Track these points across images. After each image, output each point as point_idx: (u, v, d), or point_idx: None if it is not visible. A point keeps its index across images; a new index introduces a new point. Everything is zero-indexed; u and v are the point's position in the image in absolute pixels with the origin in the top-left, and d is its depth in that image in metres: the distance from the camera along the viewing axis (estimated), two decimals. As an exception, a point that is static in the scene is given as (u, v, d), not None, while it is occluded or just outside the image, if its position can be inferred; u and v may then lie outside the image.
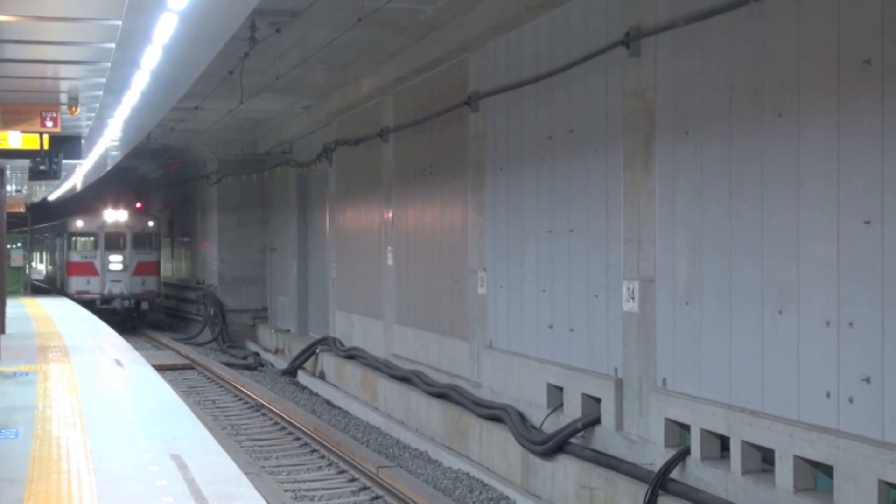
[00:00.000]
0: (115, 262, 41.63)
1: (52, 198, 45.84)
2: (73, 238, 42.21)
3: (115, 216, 42.04)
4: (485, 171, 17.82)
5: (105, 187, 44.92)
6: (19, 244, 52.08)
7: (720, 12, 11.40)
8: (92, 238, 42.25)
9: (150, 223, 42.92)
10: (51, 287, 53.18)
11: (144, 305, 42.39)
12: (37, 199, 46.08)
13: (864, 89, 9.52)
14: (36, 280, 57.31)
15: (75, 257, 42.05)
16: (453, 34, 18.44)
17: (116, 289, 41.37)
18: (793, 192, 10.40)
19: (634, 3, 13.12)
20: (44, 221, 56.76)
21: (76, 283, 41.66)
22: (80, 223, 42.09)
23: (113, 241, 41.93)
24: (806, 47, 10.27)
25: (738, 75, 11.27)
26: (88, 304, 38.26)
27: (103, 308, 39.80)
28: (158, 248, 43.29)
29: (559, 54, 14.99)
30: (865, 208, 9.52)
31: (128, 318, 41.71)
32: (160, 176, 51.02)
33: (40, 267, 64.26)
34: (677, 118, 12.35)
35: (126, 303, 41.38)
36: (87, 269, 41.53)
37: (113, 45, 11.18)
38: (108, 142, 22.54)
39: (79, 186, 39.59)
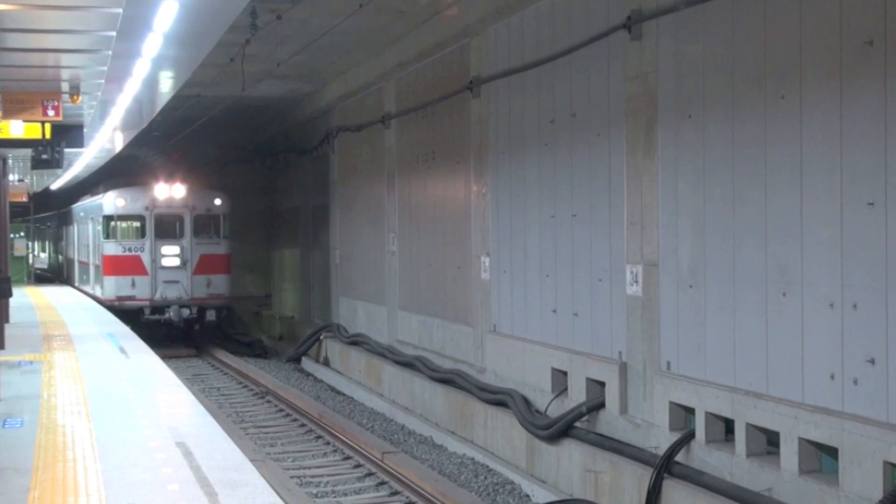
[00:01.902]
0: (171, 255, 30.87)
1: (54, 187, 45.73)
2: (110, 223, 30.92)
3: (169, 192, 31.11)
4: (487, 156, 17.80)
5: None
6: (22, 234, 52.08)
7: (722, -6, 11.40)
8: (137, 223, 31.41)
9: (218, 201, 31.57)
10: (55, 276, 53.21)
11: (210, 315, 31.09)
12: (42, 187, 46.00)
13: (867, 70, 9.49)
14: (39, 269, 57.33)
15: (113, 249, 30.75)
16: (455, 19, 18.41)
17: (172, 292, 30.54)
18: (796, 174, 10.38)
19: (636, -14, 13.09)
20: (48, 209, 56.72)
21: (115, 285, 30.48)
22: (121, 201, 30.73)
23: (167, 226, 31.18)
24: (808, 28, 10.23)
25: (739, 58, 11.24)
26: (132, 315, 29.13)
27: (153, 319, 30.26)
28: (229, 236, 31.99)
29: (561, 38, 14.96)
30: (869, 190, 9.50)
31: (187, 332, 31.55)
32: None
33: (43, 256, 64.35)
34: (679, 101, 12.32)
35: (186, 312, 30.41)
36: (132, 265, 30.48)
37: (114, 34, 11.17)
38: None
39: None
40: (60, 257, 49.87)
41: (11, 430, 11.47)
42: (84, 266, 37.77)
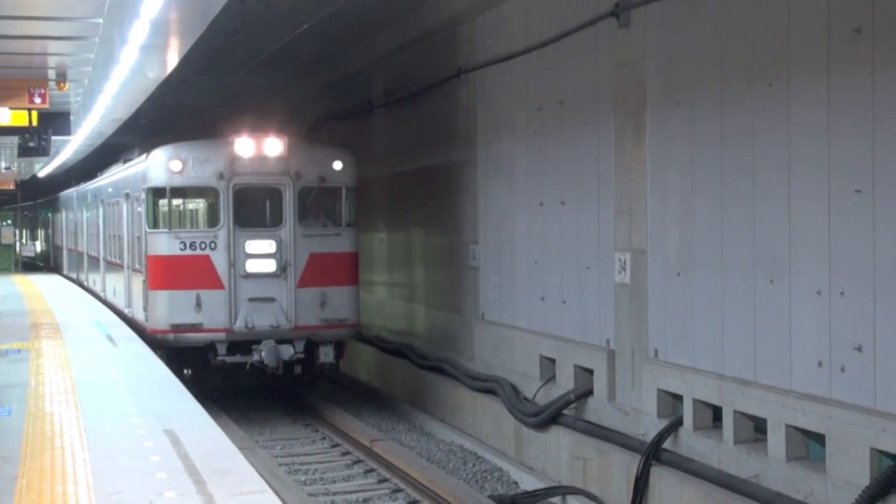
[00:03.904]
0: (261, 254, 18.51)
1: (42, 174, 45.47)
2: (160, 201, 18.79)
3: (257, 148, 18.59)
4: (475, 144, 17.79)
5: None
6: (9, 221, 51.92)
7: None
8: (204, 201, 19.93)
9: (338, 164, 19.09)
10: (44, 265, 53.12)
11: (326, 354, 18.92)
12: (30, 174, 45.79)
13: (855, 58, 9.49)
14: (27, 257, 57.21)
15: (165, 245, 18.62)
16: (443, 7, 18.37)
17: (264, 318, 18.28)
18: (784, 161, 10.39)
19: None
20: (37, 196, 56.50)
21: (169, 306, 18.49)
22: (177, 164, 18.47)
23: (254, 206, 18.97)
24: (796, 15, 10.23)
25: (728, 45, 11.23)
26: (195, 356, 18.57)
27: (232, 363, 18.37)
28: (355, 223, 19.51)
29: (549, 26, 14.93)
30: (856, 177, 9.51)
31: (287, 383, 19.82)
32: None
33: (30, 244, 64.21)
34: (668, 89, 12.32)
35: (287, 351, 18.21)
36: (196, 273, 18.42)
37: (101, 20, 11.14)
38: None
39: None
40: (58, 247, 42.98)
41: (-1, 418, 11.45)
42: (109, 268, 26.15)
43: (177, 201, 19.56)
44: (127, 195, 21.76)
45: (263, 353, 17.82)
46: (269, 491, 8.19)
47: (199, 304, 18.04)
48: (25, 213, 61.43)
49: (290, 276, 18.32)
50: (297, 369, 18.56)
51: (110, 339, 18.55)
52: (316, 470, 15.40)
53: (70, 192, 38.24)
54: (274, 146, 18.49)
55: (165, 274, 18.52)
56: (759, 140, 10.77)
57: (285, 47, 20.74)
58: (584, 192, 14.25)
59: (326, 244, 18.72)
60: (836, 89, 9.73)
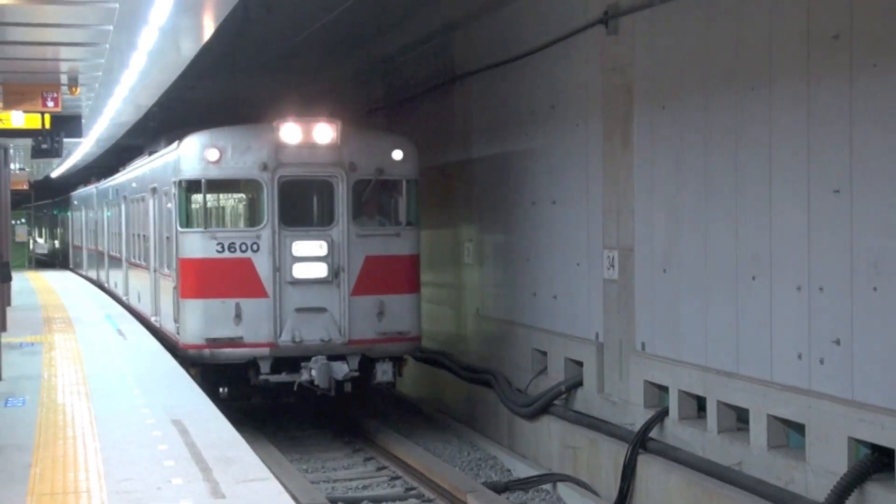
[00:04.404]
0: (311, 257, 15.67)
1: (55, 175, 45.45)
2: (193, 196, 15.90)
3: (306, 135, 15.69)
4: (471, 144, 17.79)
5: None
6: (23, 220, 51.92)
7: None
8: (244, 196, 17.25)
9: (398, 154, 16.14)
10: (55, 261, 53.12)
11: (384, 372, 15.98)
12: (43, 175, 45.72)
13: (833, 63, 9.50)
14: (39, 254, 57.18)
15: (199, 246, 15.73)
16: (440, 14, 18.37)
17: (313, 331, 15.49)
18: (765, 162, 10.40)
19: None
20: (50, 196, 56.44)
21: (204, 316, 15.55)
22: (213, 153, 15.57)
23: (302, 201, 16.42)
24: (777, 23, 10.24)
25: (713, 51, 11.25)
26: (234, 374, 15.64)
27: (276, 383, 15.51)
28: (416, 221, 16.57)
29: (541, 33, 14.93)
30: (834, 178, 9.53)
31: (337, 404, 16.95)
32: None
33: (42, 242, 64.21)
34: (655, 93, 12.33)
35: (341, 368, 15.34)
36: (236, 278, 15.56)
37: (111, 27, 11.13)
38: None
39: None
40: (77, 246, 39.06)
41: (13, 408, 11.44)
42: (132, 270, 23.13)
43: (212, 197, 16.67)
44: (154, 190, 18.71)
45: (314, 372, 14.90)
46: (273, 478, 8.21)
47: (238, 315, 15.09)
48: (42, 211, 61.44)
49: (344, 282, 15.36)
50: (347, 387, 15.47)
51: (120, 332, 18.55)
52: (318, 458, 15.35)
53: (89, 190, 34.86)
54: (325, 133, 15.42)
55: (200, 280, 15.49)
56: (741, 142, 10.78)
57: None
58: (574, 192, 14.25)
59: (384, 246, 15.72)
60: (816, 93, 9.74)
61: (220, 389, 15.25)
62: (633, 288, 12.80)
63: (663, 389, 12.28)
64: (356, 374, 15.33)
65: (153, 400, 11.66)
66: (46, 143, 19.16)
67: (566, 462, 13.65)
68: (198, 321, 15.36)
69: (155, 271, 18.83)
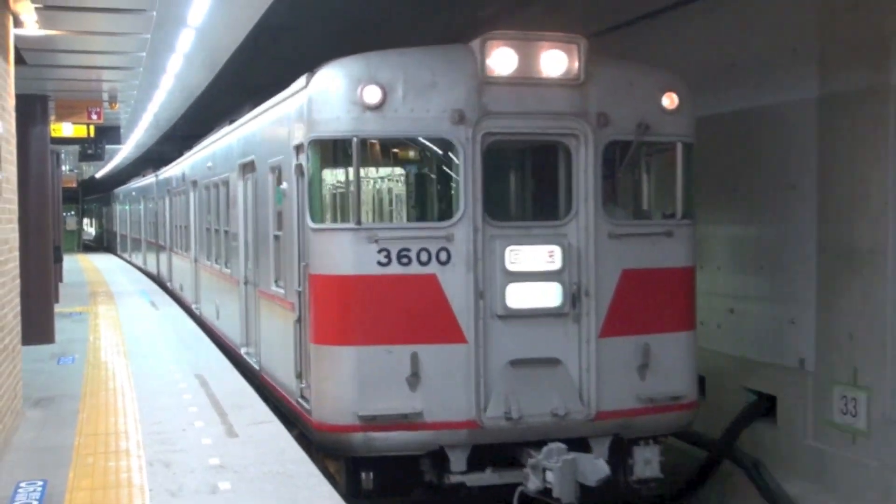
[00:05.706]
0: (529, 271, 7.31)
1: (99, 175, 45.10)
2: (324, 170, 7.36)
3: (524, 64, 7.27)
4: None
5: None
6: (73, 212, 51.89)
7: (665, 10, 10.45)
8: (415, 172, 8.63)
9: (670, 100, 7.72)
10: (98, 245, 52.93)
11: (646, 462, 7.51)
12: (89, 175, 45.40)
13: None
14: (86, 241, 57.03)
15: (347, 256, 7.18)
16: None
17: (541, 400, 7.23)
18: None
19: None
20: (97, 192, 56.10)
21: (353, 378, 7.18)
22: (371, 93, 7.04)
23: (515, 178, 8.55)
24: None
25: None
26: (393, 473, 7.35)
27: (479, 486, 7.22)
28: (693, 213, 7.91)
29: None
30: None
31: None
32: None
33: (90, 230, 64.09)
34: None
35: (602, 466, 7.07)
36: (408, 313, 7.17)
37: (144, 54, 11.17)
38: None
39: None
40: (136, 239, 30.65)
41: (65, 365, 11.48)
42: (208, 279, 14.70)
43: (364, 171, 8.34)
44: (245, 167, 10.84)
45: (553, 479, 7.07)
46: (277, 421, 8.30)
47: (416, 374, 7.34)
48: (92, 204, 61.37)
49: (589, 314, 7.63)
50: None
51: (153, 304, 18.56)
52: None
53: (148, 180, 25.82)
54: (558, 61, 7.58)
55: (350, 313, 7.46)
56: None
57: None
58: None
59: (649, 252, 7.88)
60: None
61: (362, 482, 7.51)
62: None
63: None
64: (608, 476, 7.24)
65: (179, 358, 11.71)
66: (91, 149, 19.20)
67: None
68: (346, 386, 7.41)
69: (247, 283, 11.03)
